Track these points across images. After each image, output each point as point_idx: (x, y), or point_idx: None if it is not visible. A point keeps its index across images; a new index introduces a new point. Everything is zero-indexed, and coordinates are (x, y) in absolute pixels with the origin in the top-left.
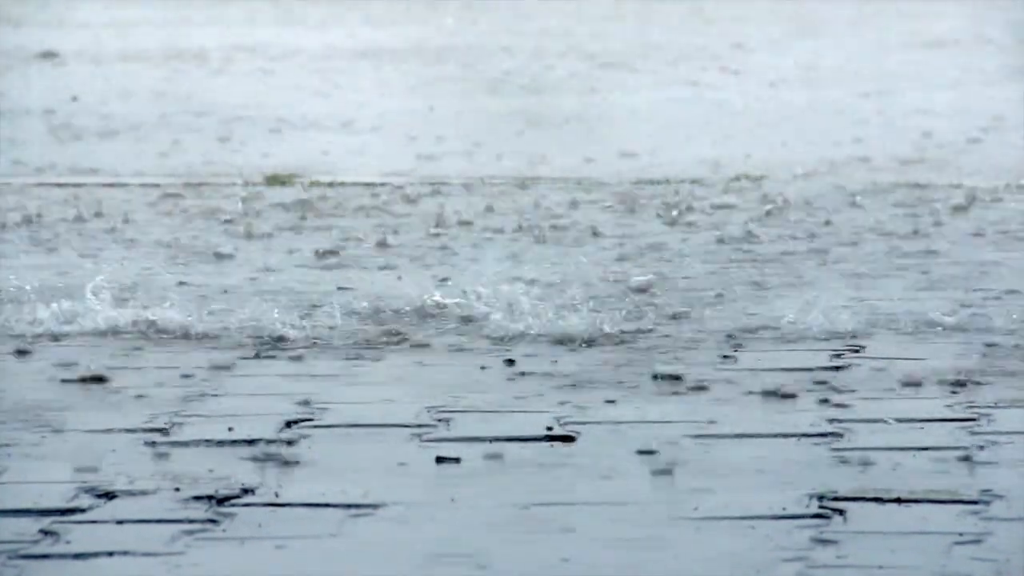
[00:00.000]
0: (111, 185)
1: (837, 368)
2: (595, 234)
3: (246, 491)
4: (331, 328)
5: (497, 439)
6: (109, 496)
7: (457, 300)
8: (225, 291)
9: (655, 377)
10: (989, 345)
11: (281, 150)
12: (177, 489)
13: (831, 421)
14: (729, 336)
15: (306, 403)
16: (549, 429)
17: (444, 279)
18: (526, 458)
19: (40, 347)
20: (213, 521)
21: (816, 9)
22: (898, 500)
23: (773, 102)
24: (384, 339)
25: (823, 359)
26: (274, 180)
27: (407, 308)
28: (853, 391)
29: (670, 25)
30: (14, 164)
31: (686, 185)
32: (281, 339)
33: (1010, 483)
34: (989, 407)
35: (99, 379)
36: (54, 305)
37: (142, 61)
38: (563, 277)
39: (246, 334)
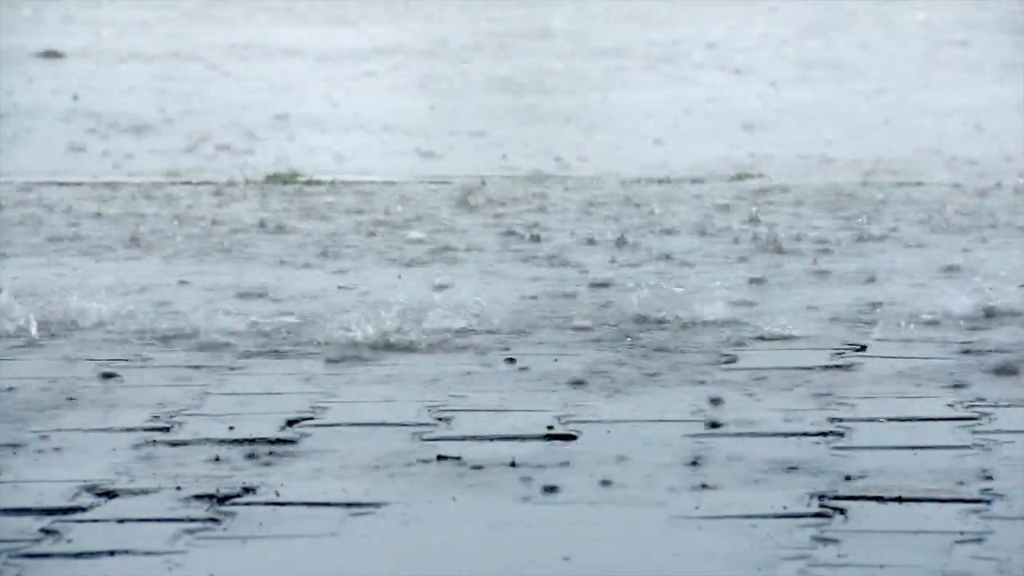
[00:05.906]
0: (112, 184)
1: (838, 367)
2: (589, 240)
3: (247, 490)
4: (333, 326)
5: (498, 438)
6: (110, 495)
7: (457, 298)
8: (227, 290)
9: (654, 375)
10: (991, 343)
11: (282, 148)
12: (178, 488)
13: (832, 420)
14: (730, 334)
15: (307, 402)
16: (550, 428)
17: (443, 278)
18: (527, 456)
19: (42, 346)
20: (214, 520)
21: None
22: (899, 499)
23: (775, 101)
24: (384, 337)
25: (824, 357)
26: (275, 178)
27: (408, 306)
28: (854, 390)
29: (669, 24)
30: (14, 163)
31: (686, 183)
32: (281, 337)
33: (1011, 482)
34: (991, 406)
35: (107, 376)
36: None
37: (144, 60)
38: (561, 274)
39: (248, 332)
